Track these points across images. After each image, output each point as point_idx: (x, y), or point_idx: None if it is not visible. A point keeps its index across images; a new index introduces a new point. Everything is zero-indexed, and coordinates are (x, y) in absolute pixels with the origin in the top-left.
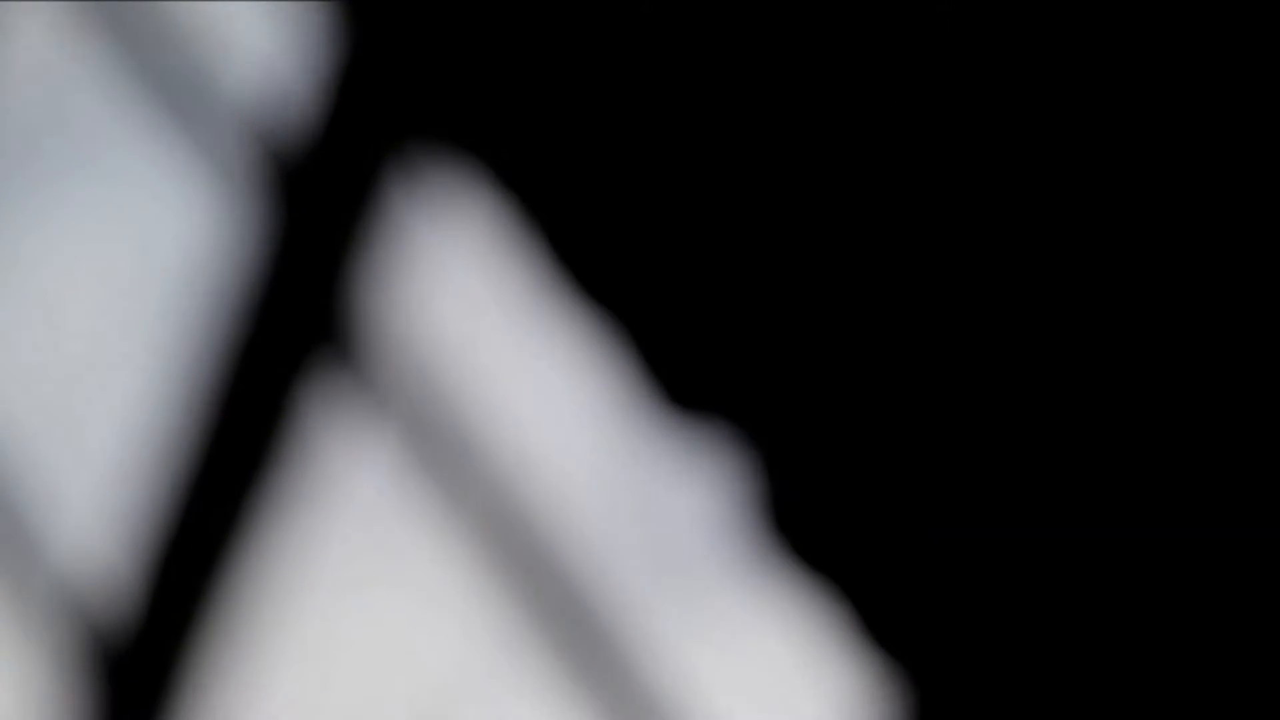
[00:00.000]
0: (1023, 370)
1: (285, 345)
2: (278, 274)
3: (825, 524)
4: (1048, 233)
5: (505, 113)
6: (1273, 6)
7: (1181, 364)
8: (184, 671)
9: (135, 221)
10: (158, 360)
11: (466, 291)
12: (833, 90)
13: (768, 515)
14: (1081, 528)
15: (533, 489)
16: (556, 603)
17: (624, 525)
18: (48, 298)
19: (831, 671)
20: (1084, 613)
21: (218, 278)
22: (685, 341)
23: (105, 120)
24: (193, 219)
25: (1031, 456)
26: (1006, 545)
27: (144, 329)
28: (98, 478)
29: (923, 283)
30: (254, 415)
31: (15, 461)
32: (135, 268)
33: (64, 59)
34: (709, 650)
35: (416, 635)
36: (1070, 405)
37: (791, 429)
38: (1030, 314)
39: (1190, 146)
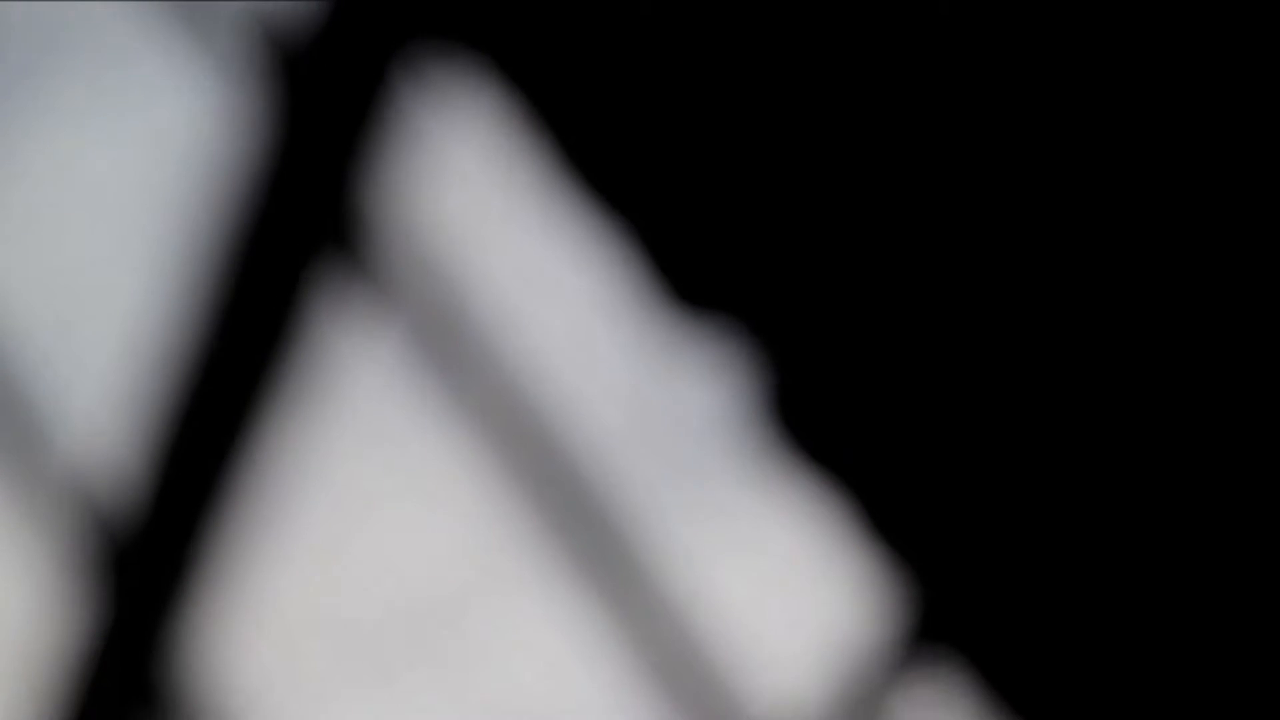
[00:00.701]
0: (1027, 261)
1: (291, 239)
2: (283, 168)
3: (833, 418)
4: (1047, 131)
5: (512, 7)
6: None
7: None
8: (190, 568)
9: (140, 114)
10: (163, 253)
11: (473, 188)
12: None
13: (775, 410)
14: (1087, 420)
15: (540, 385)
16: (564, 500)
17: (632, 422)
18: (51, 188)
19: (840, 566)
20: (1090, 503)
21: (223, 171)
22: (692, 238)
23: (109, 11)
24: (199, 112)
25: (1036, 349)
26: (1008, 437)
27: (149, 221)
28: (104, 372)
29: (927, 176)
30: (260, 309)
31: (22, 354)
32: (141, 160)
33: None
34: (717, 545)
35: (423, 534)
36: (1071, 290)
37: (799, 324)
38: (1034, 204)
39: (1189, 141)
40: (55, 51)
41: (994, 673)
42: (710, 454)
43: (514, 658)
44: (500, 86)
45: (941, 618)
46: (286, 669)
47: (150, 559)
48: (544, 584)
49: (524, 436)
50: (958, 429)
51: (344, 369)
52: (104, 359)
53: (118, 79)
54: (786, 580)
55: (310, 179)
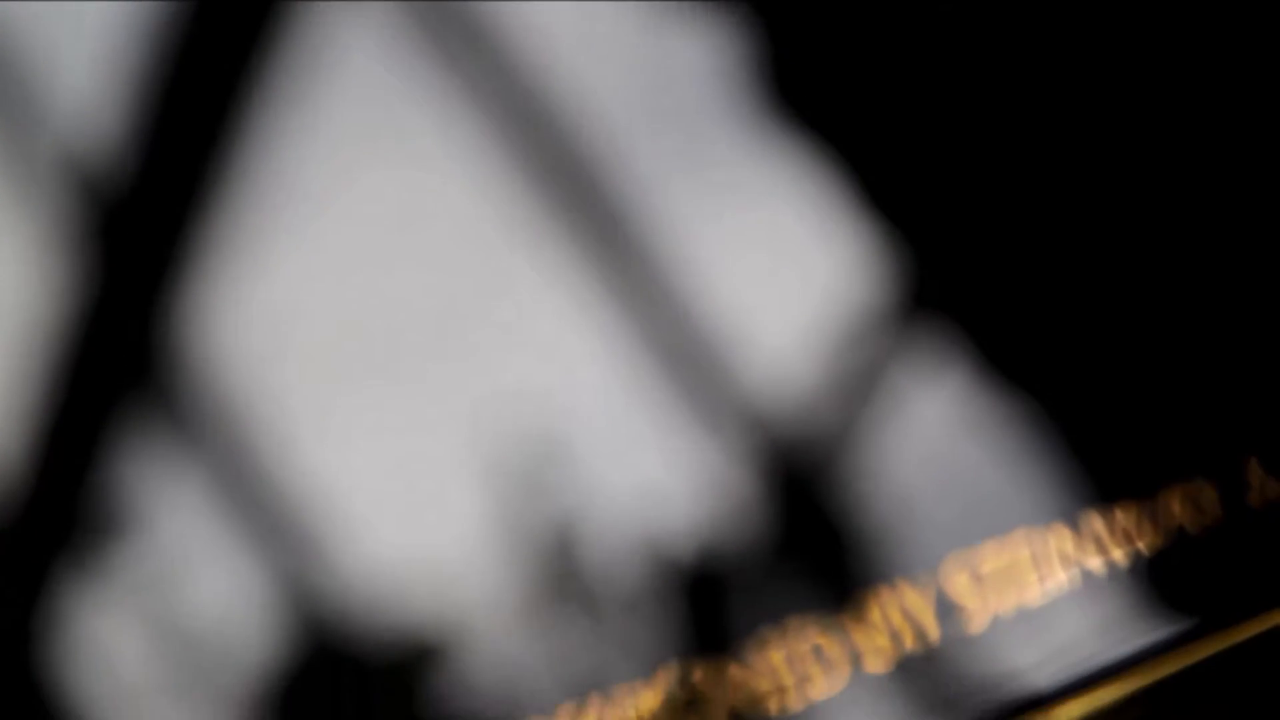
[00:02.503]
0: None
1: None
2: None
3: (828, 83)
4: None
5: None
6: None
7: None
8: (183, 251)
9: None
10: None
11: None
12: None
13: (770, 76)
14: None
15: (535, 51)
16: (563, 172)
17: (630, 90)
18: None
19: (835, 237)
20: (1091, 170)
21: None
22: None
23: None
24: None
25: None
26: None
27: None
28: (96, 45)
29: None
30: None
31: (13, 27)
32: None
33: None
34: (714, 216)
35: (420, 211)
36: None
37: None
38: None
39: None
40: None
41: (987, 344)
42: (706, 120)
43: (516, 345)
44: None
45: (935, 289)
46: (283, 357)
47: (143, 237)
48: (542, 263)
49: (520, 106)
50: (954, 98)
51: (340, 46)
52: (97, 31)
53: None
54: (782, 252)
55: None
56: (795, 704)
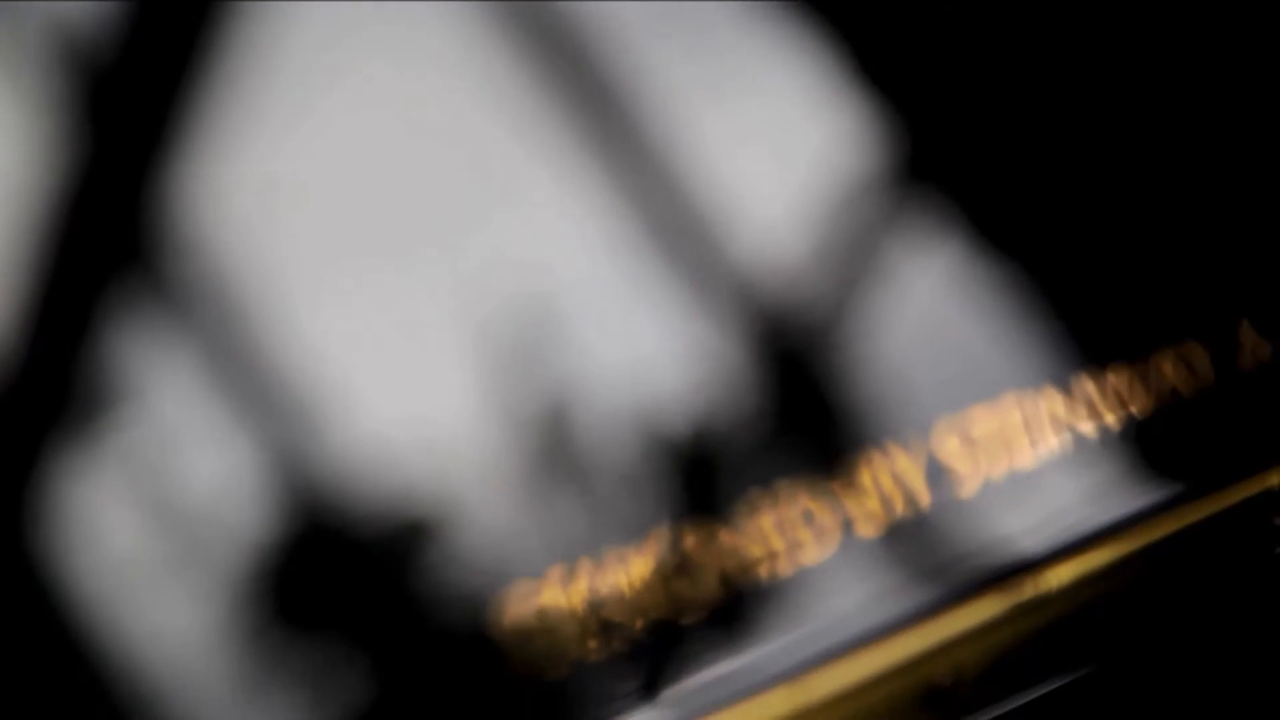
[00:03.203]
0: None
1: None
2: None
3: None
4: None
5: None
6: None
7: None
8: (176, 124)
9: None
10: None
11: None
12: None
13: None
14: None
15: None
16: (556, 49)
17: None
18: None
19: (830, 109)
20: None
21: None
22: None
23: None
24: None
25: None
26: None
27: None
28: None
29: None
30: None
31: None
32: None
33: None
34: (706, 90)
35: (417, 87)
36: None
37: None
38: None
39: None
40: None
41: (978, 211)
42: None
43: (510, 218)
44: None
45: (926, 157)
46: (276, 230)
47: (135, 104)
48: (536, 138)
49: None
50: None
51: None
52: None
53: None
54: (774, 124)
55: None
56: (786, 568)
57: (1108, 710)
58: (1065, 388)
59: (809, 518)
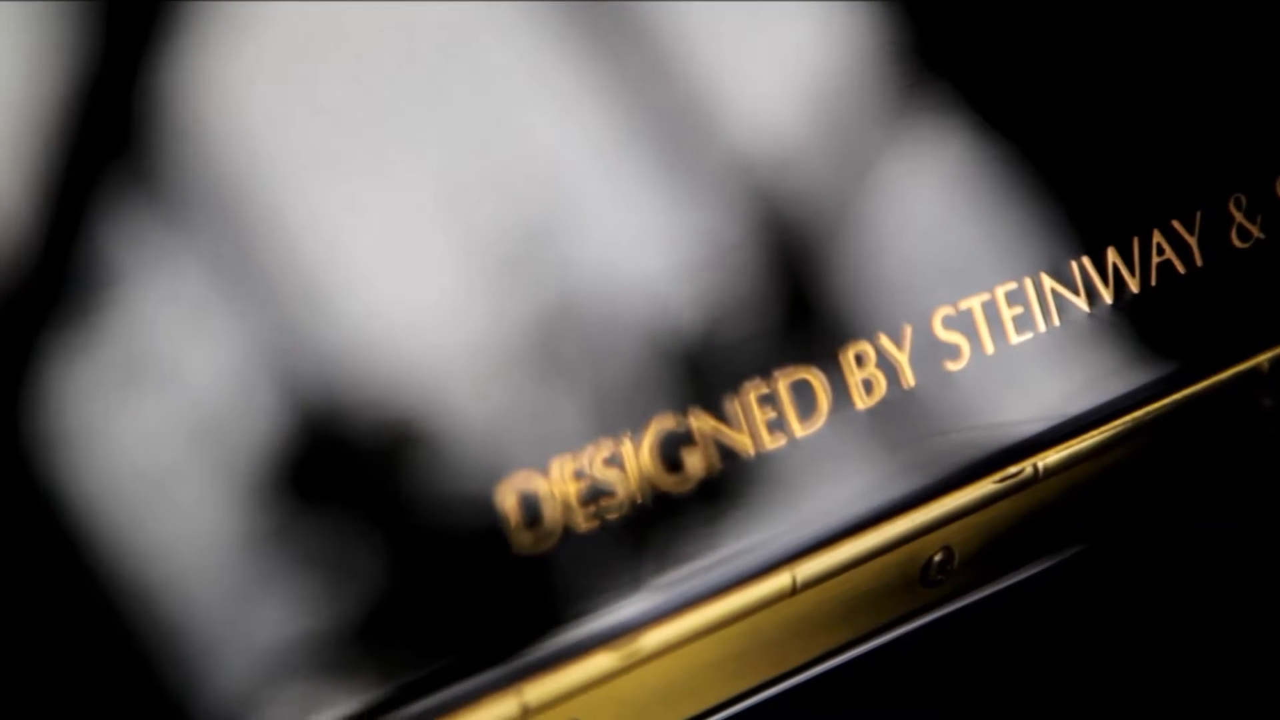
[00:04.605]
0: None
1: None
2: None
3: None
4: None
5: None
6: None
7: None
8: (174, 18)
9: None
10: None
11: None
12: None
13: None
14: None
15: None
16: None
17: None
18: None
19: (826, 3)
20: None
21: None
22: None
23: None
24: None
25: None
26: None
27: None
28: None
29: None
30: None
31: None
32: None
33: None
34: None
35: None
36: None
37: None
38: None
39: None
40: None
41: (967, 97)
42: None
43: (506, 113)
44: None
45: (931, 54)
46: (276, 129)
47: None
48: (532, 32)
49: None
50: None
51: None
52: None
53: None
54: (772, 19)
55: None
56: (779, 454)
57: (1098, 590)
58: (1054, 273)
59: (804, 404)
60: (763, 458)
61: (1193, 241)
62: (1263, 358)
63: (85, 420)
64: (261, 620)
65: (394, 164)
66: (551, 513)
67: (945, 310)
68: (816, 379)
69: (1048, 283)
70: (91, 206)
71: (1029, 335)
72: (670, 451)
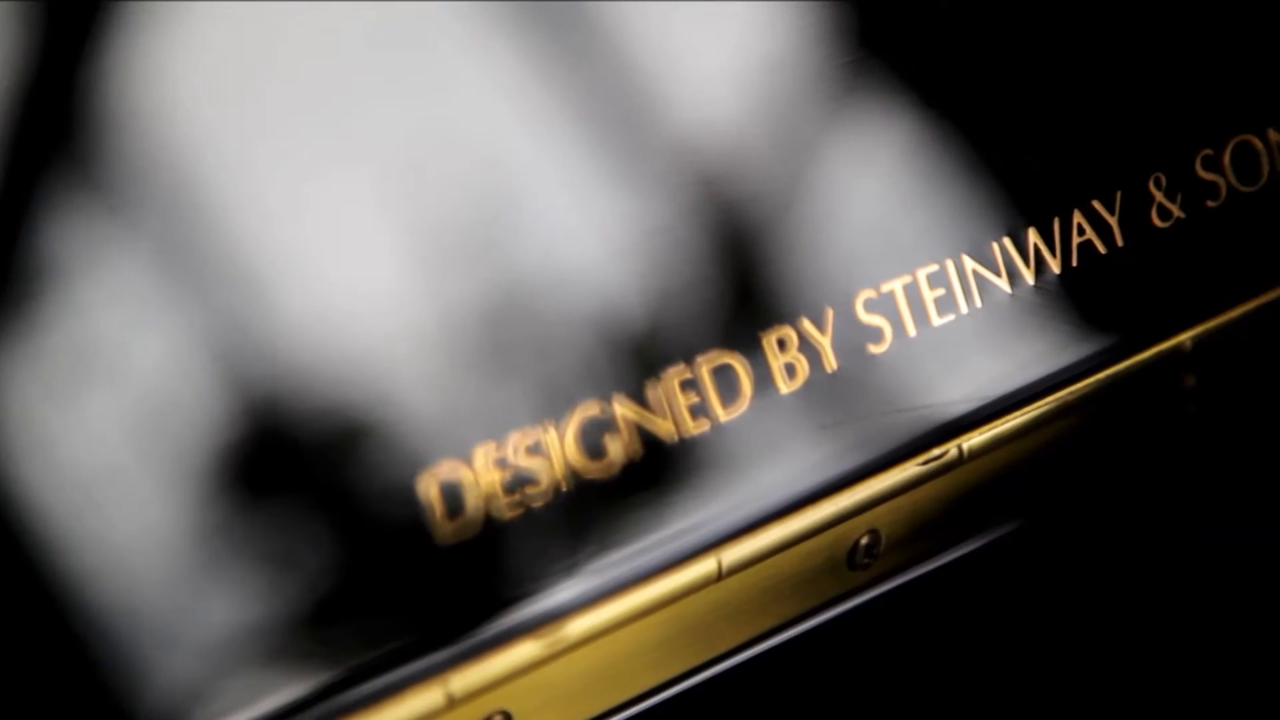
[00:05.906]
0: None
1: None
2: None
3: None
4: None
5: None
6: None
7: None
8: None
9: None
10: None
11: None
12: None
13: None
14: None
15: None
16: None
17: None
18: None
19: None
20: None
21: None
22: None
23: None
24: None
25: None
26: None
27: None
28: None
29: None
30: None
31: None
32: None
33: None
34: None
35: None
36: None
37: None
38: None
39: None
40: None
41: (903, 94)
42: None
43: (450, 98)
44: None
45: (851, 40)
46: (218, 111)
47: None
48: (478, 19)
49: None
50: None
51: None
52: None
53: None
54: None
55: None
56: (706, 438)
57: (1025, 571)
58: (976, 254)
59: (727, 389)
60: (686, 443)
61: (1113, 221)
62: (1185, 336)
63: (25, 414)
64: (182, 613)
65: (331, 154)
66: (474, 502)
67: (867, 293)
68: (739, 363)
69: (969, 264)
70: (32, 200)
71: (951, 317)
72: (593, 438)
